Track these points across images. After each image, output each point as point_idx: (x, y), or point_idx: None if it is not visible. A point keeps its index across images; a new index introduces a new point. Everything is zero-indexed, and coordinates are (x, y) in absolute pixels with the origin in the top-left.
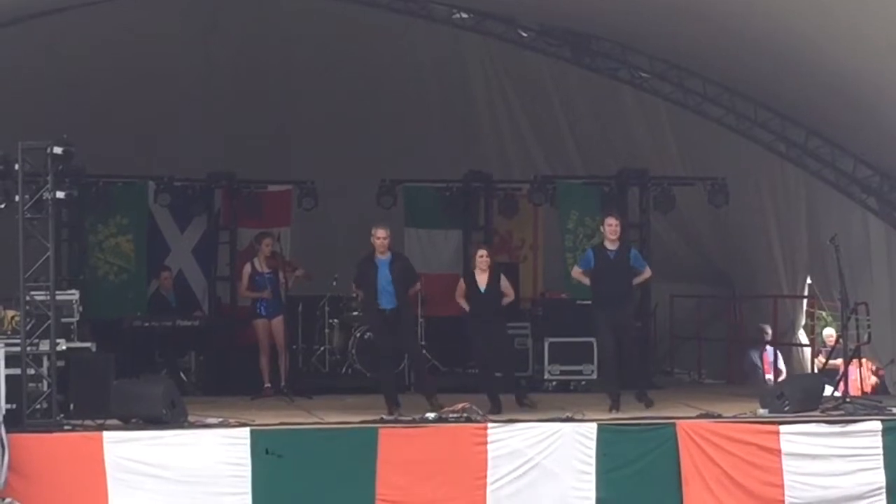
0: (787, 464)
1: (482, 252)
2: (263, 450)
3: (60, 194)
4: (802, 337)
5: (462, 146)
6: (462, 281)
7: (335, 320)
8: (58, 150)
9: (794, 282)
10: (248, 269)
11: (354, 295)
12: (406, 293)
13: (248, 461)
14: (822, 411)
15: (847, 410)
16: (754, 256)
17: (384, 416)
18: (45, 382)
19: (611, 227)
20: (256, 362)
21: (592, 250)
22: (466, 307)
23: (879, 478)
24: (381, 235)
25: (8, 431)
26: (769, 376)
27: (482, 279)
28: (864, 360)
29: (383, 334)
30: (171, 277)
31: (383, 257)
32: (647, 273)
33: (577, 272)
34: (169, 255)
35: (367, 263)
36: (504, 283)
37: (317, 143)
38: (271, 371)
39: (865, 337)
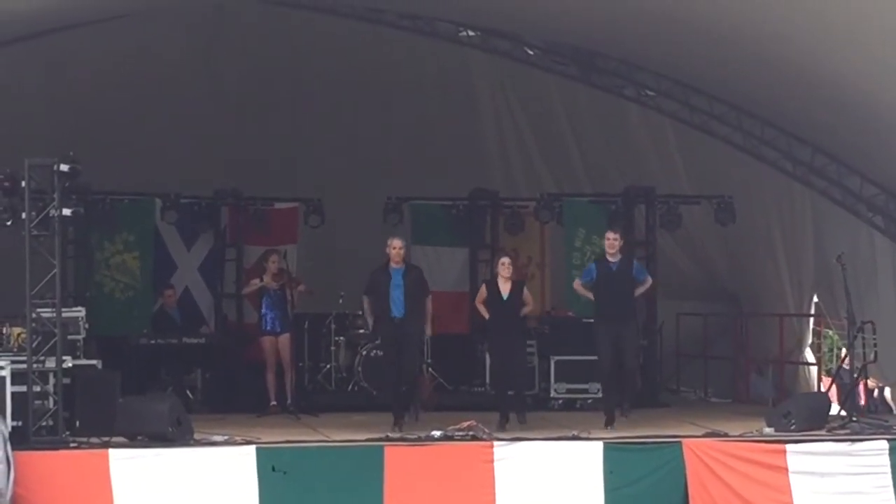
0: (796, 482)
1: (504, 260)
2: (270, 467)
3: (67, 211)
4: (809, 356)
5: (468, 163)
6: (483, 287)
7: (341, 338)
8: (64, 167)
9: (801, 300)
10: (256, 281)
11: (360, 312)
12: (416, 305)
13: (255, 479)
14: (829, 430)
15: (853, 429)
16: (761, 275)
17: (390, 434)
18: (51, 399)
19: (608, 241)
20: (263, 380)
21: (595, 263)
22: (486, 314)
23: (889, 496)
24: (396, 245)
25: (14, 449)
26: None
27: (505, 288)
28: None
29: (391, 345)
30: (174, 295)
31: (397, 267)
32: (648, 282)
33: (577, 284)
34: (175, 272)
35: (381, 272)
36: (525, 292)
37: (323, 160)
38: (277, 388)
39: (872, 355)
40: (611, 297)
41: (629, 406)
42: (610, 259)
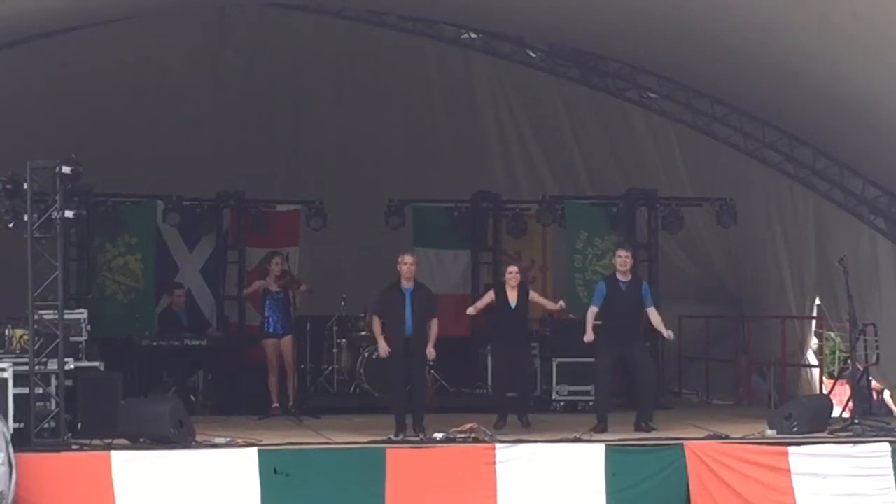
0: (798, 483)
1: (512, 268)
2: (272, 469)
3: (69, 213)
4: (811, 358)
5: (470, 166)
6: (492, 291)
7: (343, 340)
8: (66, 169)
9: (803, 302)
10: (259, 283)
11: (363, 314)
12: (423, 324)
13: (257, 481)
14: (831, 432)
15: (855, 432)
16: (763, 277)
17: (391, 437)
18: (53, 402)
19: (621, 258)
20: (265, 382)
21: (604, 282)
22: (472, 312)
23: (892, 498)
24: (407, 262)
25: (16, 450)
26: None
27: (512, 296)
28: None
29: (400, 364)
30: (183, 295)
31: (408, 285)
32: (655, 313)
33: (591, 313)
34: (177, 274)
35: (395, 291)
36: (534, 296)
37: (325, 162)
38: (279, 391)
39: (874, 358)
40: (618, 318)
41: (650, 418)
42: (620, 278)
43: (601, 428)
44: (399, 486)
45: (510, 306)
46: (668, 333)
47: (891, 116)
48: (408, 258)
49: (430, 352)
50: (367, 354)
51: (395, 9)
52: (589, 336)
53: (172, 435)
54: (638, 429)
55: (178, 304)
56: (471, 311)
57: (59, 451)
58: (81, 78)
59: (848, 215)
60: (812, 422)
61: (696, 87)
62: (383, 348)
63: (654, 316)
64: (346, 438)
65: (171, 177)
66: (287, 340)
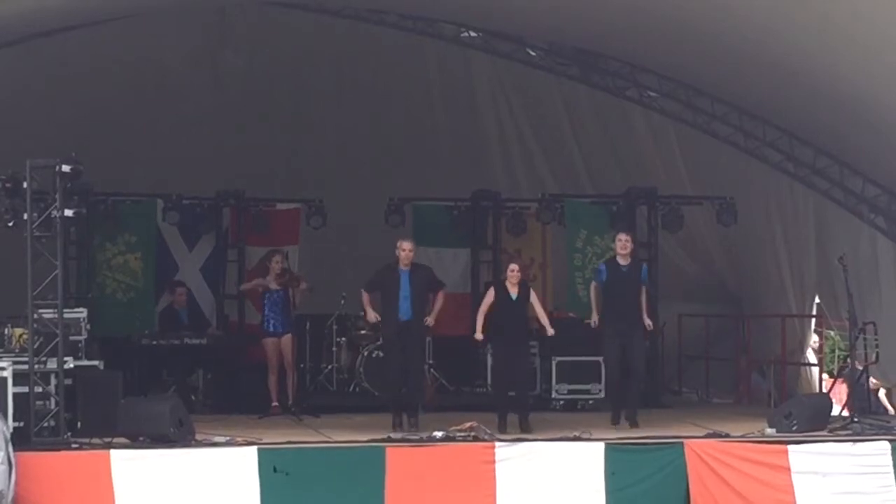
0: (799, 482)
1: (514, 266)
2: (271, 468)
3: (69, 212)
4: (811, 356)
5: (470, 165)
6: (492, 290)
7: (343, 339)
8: (66, 167)
9: (803, 301)
10: (259, 280)
11: (362, 313)
12: (422, 307)
13: (256, 480)
14: (830, 431)
15: (855, 430)
16: (763, 276)
17: (391, 435)
18: (52, 400)
19: (621, 241)
20: (264, 381)
21: (605, 264)
22: (480, 331)
23: (892, 496)
24: (406, 248)
25: (16, 449)
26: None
27: (513, 291)
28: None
29: (395, 346)
30: (185, 294)
31: (405, 269)
32: (643, 296)
33: (594, 289)
34: (177, 273)
35: (390, 272)
36: (534, 299)
37: (325, 161)
38: (279, 389)
39: (874, 356)
40: (621, 301)
41: (635, 415)
42: (621, 262)
43: (616, 419)
44: (399, 485)
45: (511, 298)
46: (648, 322)
47: (891, 116)
48: (406, 244)
49: (430, 320)
50: (366, 353)
51: (395, 7)
52: (595, 319)
53: (172, 434)
54: (628, 420)
55: (179, 302)
56: (480, 321)
57: (58, 449)
58: (81, 78)
59: (848, 214)
60: (812, 420)
61: (697, 86)
62: (371, 315)
63: (642, 296)
64: (346, 437)
65: (171, 176)
66: (287, 339)
